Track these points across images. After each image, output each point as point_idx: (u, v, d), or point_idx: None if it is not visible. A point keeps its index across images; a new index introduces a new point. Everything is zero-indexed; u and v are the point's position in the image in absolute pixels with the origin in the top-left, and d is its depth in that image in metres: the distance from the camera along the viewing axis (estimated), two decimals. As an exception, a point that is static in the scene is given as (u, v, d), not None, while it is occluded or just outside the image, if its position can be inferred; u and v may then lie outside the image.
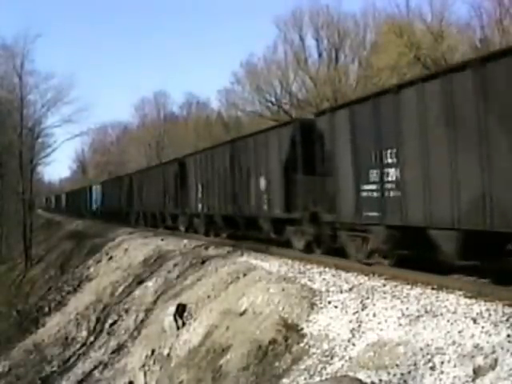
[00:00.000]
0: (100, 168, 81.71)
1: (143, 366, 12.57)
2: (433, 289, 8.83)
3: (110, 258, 24.68)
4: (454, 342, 6.55)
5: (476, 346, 6.28)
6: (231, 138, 21.36)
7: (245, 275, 12.49)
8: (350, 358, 7.23)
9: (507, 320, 6.77)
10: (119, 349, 14.87)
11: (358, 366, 6.90)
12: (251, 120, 43.69)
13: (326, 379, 6.81)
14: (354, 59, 40.05)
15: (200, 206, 20.53)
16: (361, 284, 9.91)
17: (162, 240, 22.70)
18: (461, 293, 8.34)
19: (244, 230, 17.48)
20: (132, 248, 23.57)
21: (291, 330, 8.76)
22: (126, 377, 13.01)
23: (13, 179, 39.72)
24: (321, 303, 9.31)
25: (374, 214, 10.60)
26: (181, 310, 12.71)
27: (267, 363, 8.45)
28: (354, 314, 8.41)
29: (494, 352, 6.02)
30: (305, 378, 7.40)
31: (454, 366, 6.10)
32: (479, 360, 5.97)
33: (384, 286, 9.54)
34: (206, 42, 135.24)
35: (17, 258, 40.52)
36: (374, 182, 10.58)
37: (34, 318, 23.79)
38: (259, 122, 38.06)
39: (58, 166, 75.16)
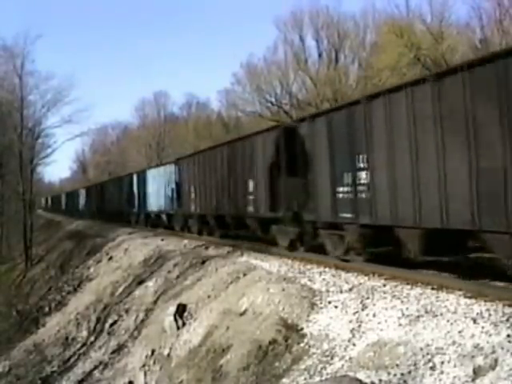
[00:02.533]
0: (100, 168, 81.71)
1: (143, 366, 12.57)
2: (433, 289, 8.84)
3: (110, 258, 24.68)
4: (454, 342, 6.55)
5: (476, 346, 6.29)
6: (231, 138, 22.68)
7: (245, 275, 12.50)
8: (350, 358, 7.24)
9: (507, 320, 6.78)
10: (119, 349, 14.86)
11: (358, 366, 6.91)
12: (251, 120, 43.65)
13: (326, 379, 6.82)
14: (353, 60, 40.05)
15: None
16: (361, 284, 9.92)
17: (162, 240, 22.72)
18: (461, 293, 8.35)
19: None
20: (132, 248, 23.58)
21: (291, 330, 8.76)
22: (126, 377, 12.99)
23: (13, 179, 39.71)
24: (321, 303, 9.31)
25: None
26: (181, 310, 12.70)
27: (267, 363, 8.45)
28: (354, 314, 8.42)
29: (493, 352, 6.03)
30: (305, 378, 7.41)
31: (454, 366, 6.10)
32: (479, 360, 5.98)
33: (384, 286, 9.54)
34: (206, 42, 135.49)
35: (17, 258, 40.52)
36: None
37: (34, 317, 23.77)
38: (259, 122, 38.04)
39: (58, 167, 75.26)
